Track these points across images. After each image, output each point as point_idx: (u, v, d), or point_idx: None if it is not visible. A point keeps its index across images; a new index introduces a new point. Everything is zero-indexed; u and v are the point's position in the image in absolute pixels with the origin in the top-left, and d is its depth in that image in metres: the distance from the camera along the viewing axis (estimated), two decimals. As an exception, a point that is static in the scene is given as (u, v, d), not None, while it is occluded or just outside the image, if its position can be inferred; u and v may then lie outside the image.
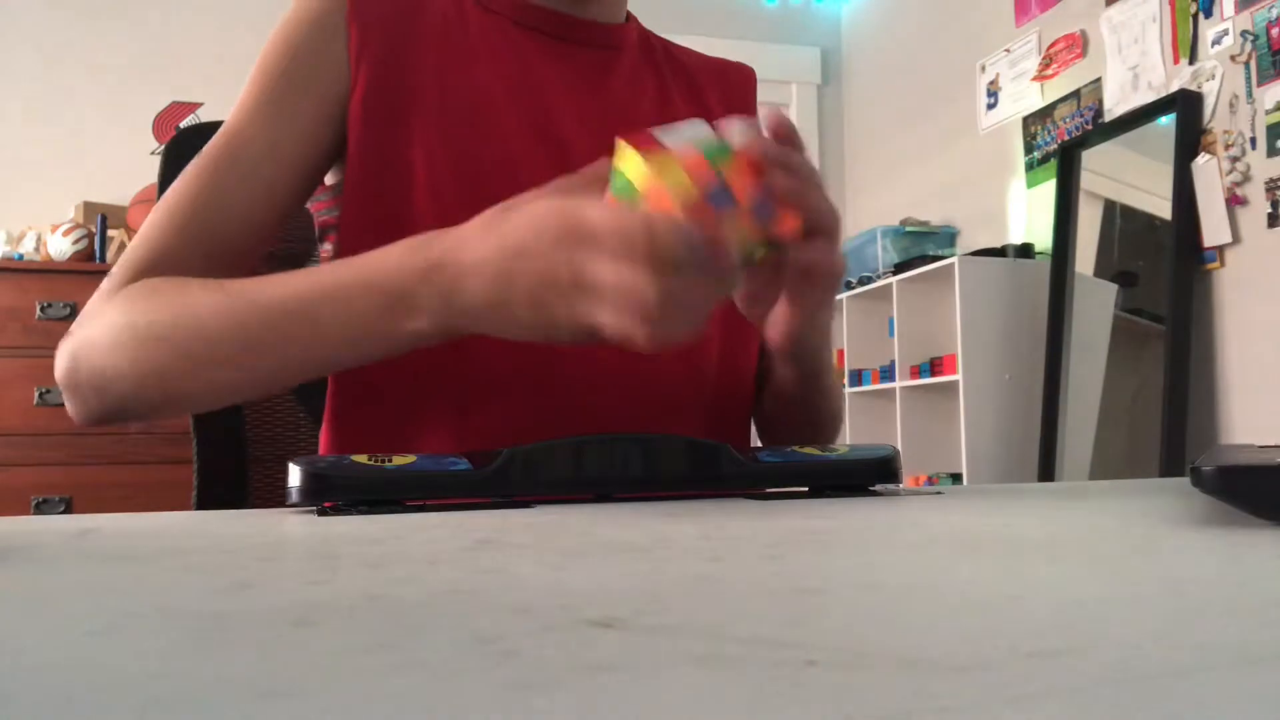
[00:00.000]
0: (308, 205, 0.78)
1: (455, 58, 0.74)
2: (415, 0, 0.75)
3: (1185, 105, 2.48)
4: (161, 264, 0.66)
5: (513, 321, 0.52)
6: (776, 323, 0.59)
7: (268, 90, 0.70)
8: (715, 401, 0.78)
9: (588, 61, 0.79)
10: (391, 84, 0.71)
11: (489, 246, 0.52)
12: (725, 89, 0.87)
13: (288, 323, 0.58)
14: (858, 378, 3.50)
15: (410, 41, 0.73)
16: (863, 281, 3.45)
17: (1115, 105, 2.76)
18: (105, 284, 0.66)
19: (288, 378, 0.63)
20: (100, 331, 0.62)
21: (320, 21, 0.71)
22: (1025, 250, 3.01)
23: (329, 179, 0.76)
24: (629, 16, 0.84)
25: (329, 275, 0.58)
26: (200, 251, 0.67)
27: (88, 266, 2.88)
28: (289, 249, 0.91)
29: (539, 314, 0.51)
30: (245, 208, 0.68)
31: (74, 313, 2.78)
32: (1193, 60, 2.52)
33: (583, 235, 0.48)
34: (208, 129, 0.96)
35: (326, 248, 0.77)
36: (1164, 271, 2.48)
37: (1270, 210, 2.31)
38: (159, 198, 0.88)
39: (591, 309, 0.48)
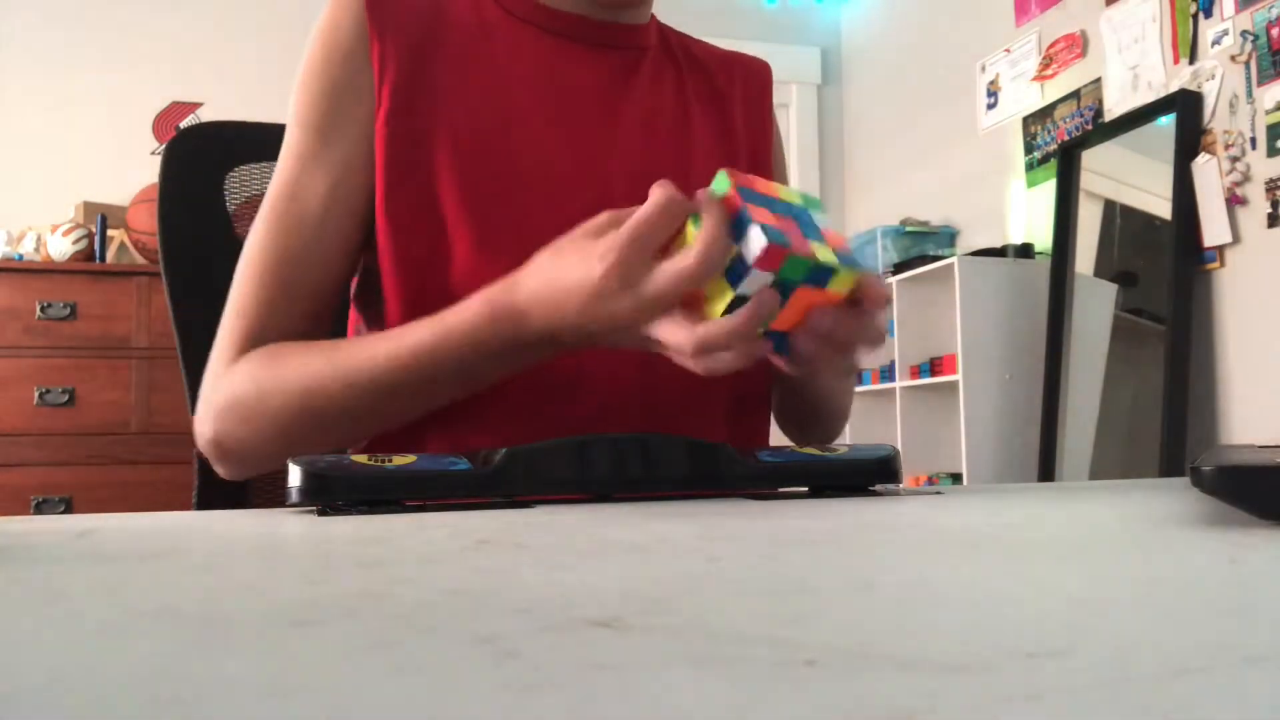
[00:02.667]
0: None
1: (481, 68, 0.74)
2: (436, 13, 0.74)
3: (1185, 105, 2.48)
4: (265, 330, 0.70)
5: (569, 342, 0.61)
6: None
7: (312, 136, 0.72)
8: (734, 400, 0.78)
9: (615, 64, 0.79)
10: (416, 99, 0.71)
11: (540, 284, 0.60)
12: (741, 82, 0.87)
13: (382, 390, 0.65)
14: (858, 378, 3.50)
15: (432, 55, 0.73)
16: (863, 281, 3.45)
17: (1115, 105, 2.76)
18: (217, 357, 0.71)
19: (386, 428, 0.70)
20: (232, 404, 0.69)
21: (346, 53, 0.72)
22: (1025, 250, 3.01)
23: None
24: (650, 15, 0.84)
25: (411, 340, 0.65)
26: (295, 308, 0.71)
27: (88, 266, 2.88)
28: None
29: (591, 338, 0.59)
30: (322, 259, 0.71)
31: (74, 313, 2.79)
32: (1193, 60, 2.52)
33: (623, 274, 0.55)
34: (208, 129, 0.97)
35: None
36: (1164, 271, 2.48)
37: (1270, 210, 2.31)
38: (159, 198, 0.89)
39: (641, 338, 0.57)
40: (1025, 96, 3.13)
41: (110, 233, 3.02)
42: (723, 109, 0.84)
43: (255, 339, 0.70)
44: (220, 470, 0.72)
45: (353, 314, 0.80)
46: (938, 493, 0.60)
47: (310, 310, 0.71)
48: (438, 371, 0.64)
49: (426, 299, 0.67)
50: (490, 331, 0.62)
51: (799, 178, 4.11)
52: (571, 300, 0.57)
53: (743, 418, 0.79)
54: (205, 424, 0.70)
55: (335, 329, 0.75)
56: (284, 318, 0.70)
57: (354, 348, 0.67)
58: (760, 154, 0.85)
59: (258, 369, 0.68)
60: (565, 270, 0.58)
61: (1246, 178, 2.35)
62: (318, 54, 0.72)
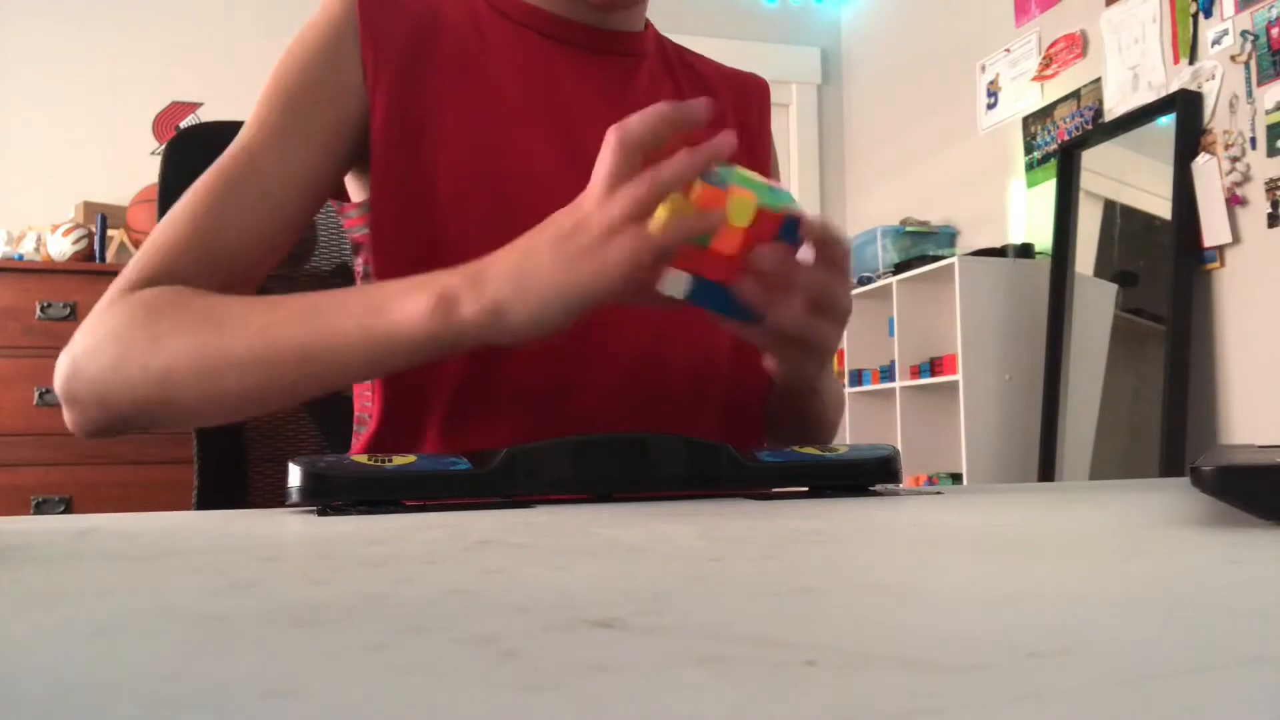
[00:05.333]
0: (341, 222, 0.79)
1: (475, 72, 0.74)
2: (430, 16, 0.74)
3: (1185, 105, 2.48)
4: (167, 277, 0.65)
5: (542, 288, 0.56)
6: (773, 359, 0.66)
7: (281, 111, 0.70)
8: (728, 401, 0.78)
9: (610, 70, 0.79)
10: (410, 104, 0.71)
11: (505, 249, 0.58)
12: (739, 98, 0.87)
13: (305, 335, 0.59)
14: (858, 378, 3.50)
15: (427, 59, 0.72)
16: (863, 281, 3.45)
17: (1115, 105, 2.76)
18: (109, 292, 0.66)
19: (300, 392, 0.62)
20: (103, 341, 0.62)
21: (332, 43, 0.71)
22: (1025, 250, 3.01)
23: (357, 196, 0.76)
24: (646, 23, 0.84)
25: (345, 290, 0.62)
26: (208, 267, 0.66)
27: (88, 266, 2.88)
28: (315, 266, 0.91)
29: (565, 270, 0.55)
30: (256, 226, 0.68)
31: (74, 313, 2.78)
32: (1193, 60, 2.52)
33: (578, 201, 0.57)
34: (208, 129, 0.96)
35: (358, 262, 0.78)
36: (1164, 271, 2.48)
37: (1270, 210, 2.31)
38: (159, 198, 0.88)
39: (607, 242, 0.54)
40: (1025, 96, 3.13)
41: (110, 233, 3.02)
42: (721, 121, 0.84)
43: (152, 281, 0.65)
44: (69, 418, 0.63)
45: None
46: (938, 493, 0.60)
47: (222, 269, 0.67)
48: (331, 308, 0.59)
49: None
50: (451, 281, 0.58)
51: (799, 178, 4.12)
52: (517, 245, 0.58)
53: (737, 426, 0.79)
54: (62, 360, 0.63)
55: None
56: (188, 273, 0.65)
57: (261, 299, 0.63)
58: (759, 171, 0.86)
59: (136, 307, 0.63)
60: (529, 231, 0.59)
61: (1246, 178, 2.35)
62: (305, 35, 0.72)
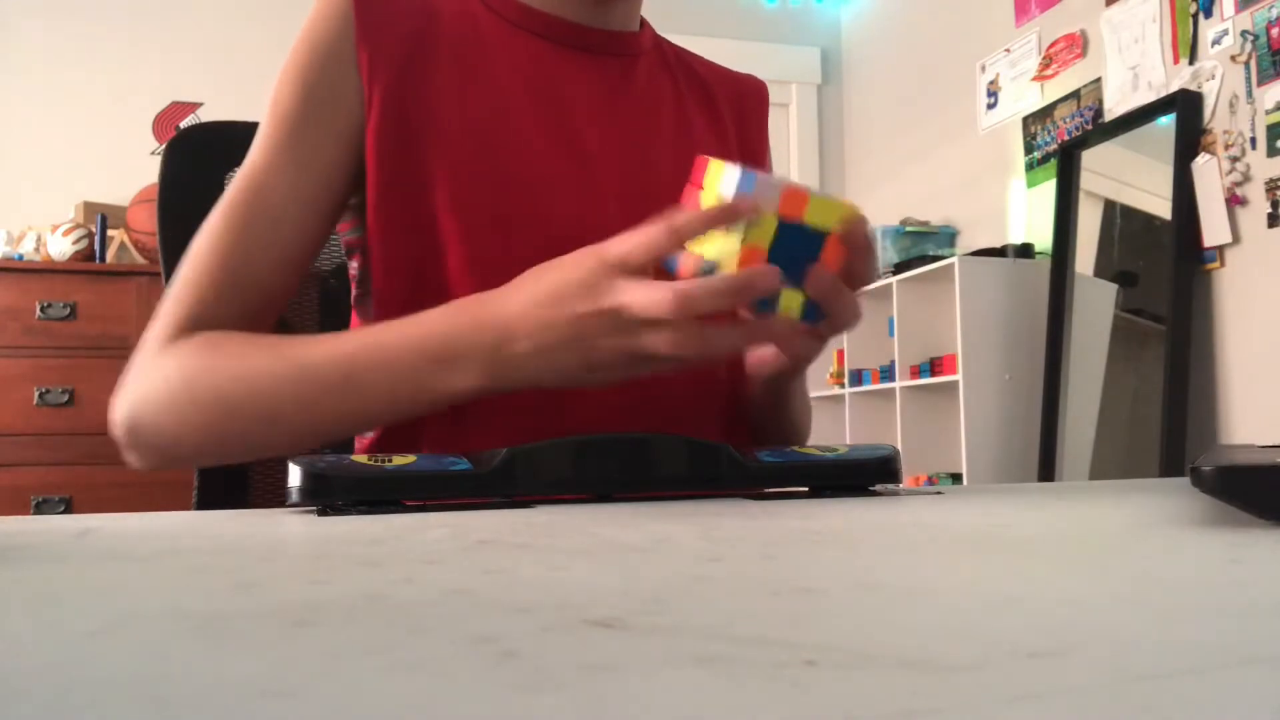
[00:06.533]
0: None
1: (472, 72, 0.73)
2: (427, 17, 0.74)
3: (1185, 105, 2.48)
4: (204, 317, 0.67)
5: (559, 366, 0.57)
6: (762, 364, 0.70)
7: (285, 132, 0.70)
8: (725, 413, 0.78)
9: (607, 70, 0.78)
10: (407, 106, 0.71)
11: (527, 298, 0.58)
12: (738, 100, 0.87)
13: (336, 383, 0.62)
14: (858, 378, 3.50)
15: (424, 61, 0.72)
16: (863, 281, 3.45)
17: (1115, 105, 2.76)
18: (150, 339, 0.68)
19: (337, 433, 0.66)
20: (156, 389, 0.65)
21: (330, 53, 0.71)
22: (1025, 250, 3.01)
23: (352, 199, 0.76)
24: (643, 24, 0.84)
25: (373, 337, 0.62)
26: (238, 300, 0.68)
27: (88, 266, 2.88)
28: (317, 266, 0.91)
29: (583, 352, 0.56)
30: (276, 253, 0.69)
31: (74, 313, 2.79)
32: (1193, 60, 2.52)
33: (610, 265, 0.55)
34: (208, 129, 0.96)
35: (353, 265, 0.78)
36: (1164, 271, 2.48)
37: (1270, 210, 2.31)
38: (159, 198, 0.88)
39: (631, 334, 0.54)
40: (1025, 96, 3.13)
41: (110, 233, 3.02)
42: (720, 122, 0.84)
43: (194, 325, 0.67)
44: (130, 459, 0.67)
45: (353, 320, 0.80)
46: (938, 493, 0.60)
47: (253, 307, 0.69)
48: (376, 375, 0.61)
49: (418, 305, 0.67)
50: (442, 329, 0.60)
51: (799, 178, 4.12)
52: (540, 289, 0.57)
53: (739, 434, 0.79)
54: (121, 407, 0.66)
55: (275, 332, 0.73)
56: (225, 310, 0.68)
57: (298, 342, 0.65)
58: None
59: (193, 355, 0.65)
60: (539, 275, 0.59)
61: (1246, 178, 2.35)
62: (300, 50, 0.71)
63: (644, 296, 0.53)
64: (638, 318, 0.54)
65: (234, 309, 0.68)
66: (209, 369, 0.64)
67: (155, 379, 0.65)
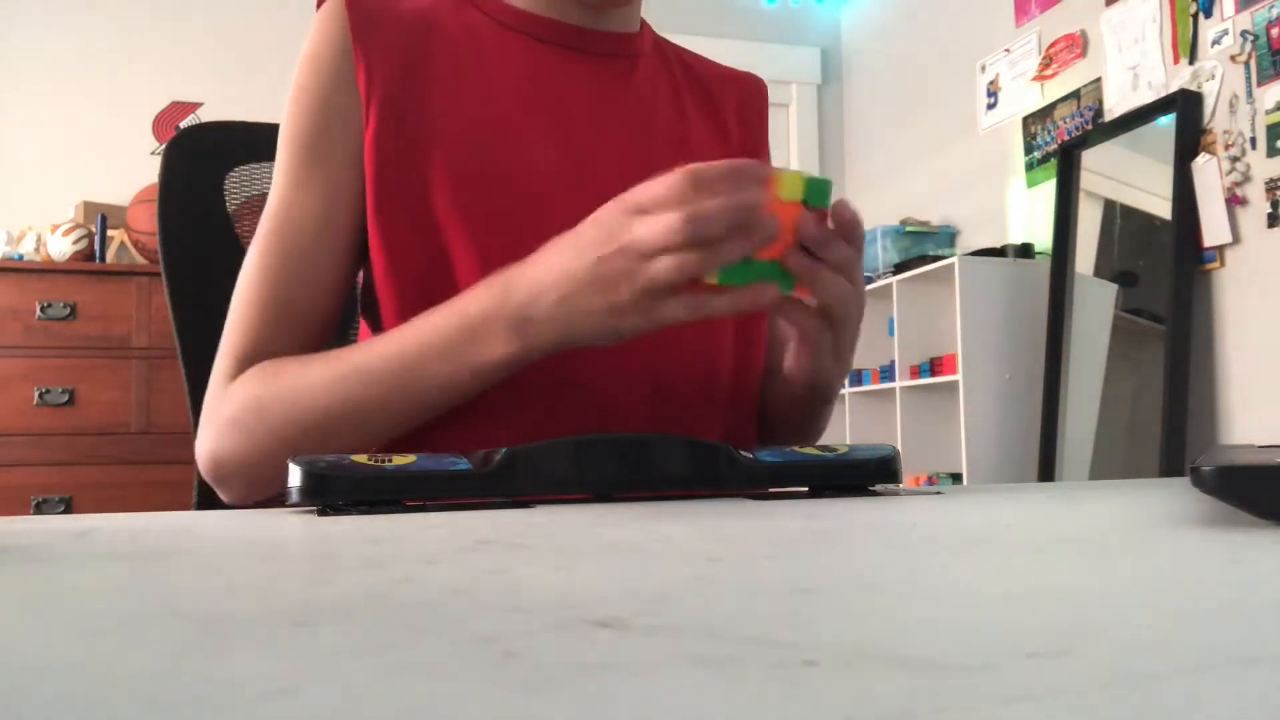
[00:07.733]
0: None
1: (471, 79, 0.73)
2: (424, 27, 0.74)
3: (1185, 105, 2.48)
4: (260, 352, 0.70)
5: (584, 314, 0.58)
6: (794, 360, 0.70)
7: (301, 159, 0.71)
8: (729, 406, 0.78)
9: (606, 72, 0.78)
10: (405, 113, 0.71)
11: (551, 254, 0.60)
12: (738, 99, 0.87)
13: (391, 380, 0.64)
14: (858, 378, 3.50)
15: (421, 69, 0.72)
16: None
17: (1115, 105, 2.76)
18: (213, 383, 0.70)
19: (402, 425, 0.67)
20: (229, 423, 0.68)
21: (330, 74, 0.71)
22: (1025, 250, 3.01)
23: None
24: (643, 25, 0.84)
25: (413, 328, 0.64)
26: (289, 330, 0.71)
27: (88, 266, 2.88)
28: None
29: (606, 294, 0.57)
30: (318, 282, 0.71)
31: (74, 312, 2.79)
32: (1193, 60, 2.52)
33: (627, 209, 0.57)
34: (208, 129, 0.97)
35: (358, 274, 0.78)
36: (1164, 271, 2.48)
37: (1270, 210, 2.31)
38: (160, 198, 0.88)
39: (647, 266, 0.55)
40: (1025, 96, 3.13)
41: (110, 233, 3.02)
42: (720, 121, 0.84)
43: (252, 358, 0.69)
44: (223, 493, 0.70)
45: (362, 327, 0.80)
46: (938, 493, 0.60)
47: (306, 330, 0.71)
48: (424, 361, 0.63)
49: (426, 309, 0.67)
50: (476, 304, 0.62)
51: (799, 178, 4.11)
52: (564, 246, 0.59)
53: (741, 435, 0.79)
54: (204, 444, 0.69)
55: (333, 348, 0.75)
56: (281, 337, 0.70)
57: (350, 350, 0.67)
58: None
59: (256, 384, 0.68)
60: (563, 237, 0.60)
61: (1246, 178, 2.35)
62: (304, 73, 0.72)
63: (654, 223, 0.55)
64: (652, 247, 0.55)
65: (285, 341, 0.70)
66: (274, 394, 0.66)
67: (226, 414, 0.68)
